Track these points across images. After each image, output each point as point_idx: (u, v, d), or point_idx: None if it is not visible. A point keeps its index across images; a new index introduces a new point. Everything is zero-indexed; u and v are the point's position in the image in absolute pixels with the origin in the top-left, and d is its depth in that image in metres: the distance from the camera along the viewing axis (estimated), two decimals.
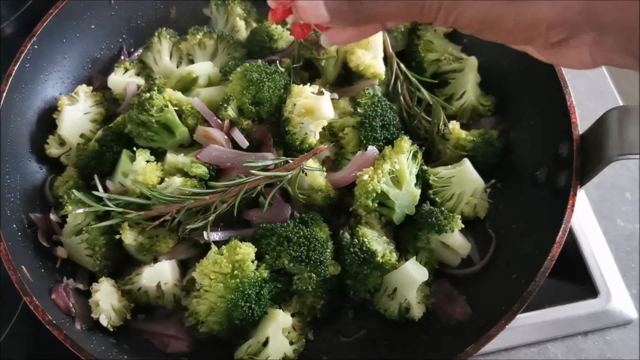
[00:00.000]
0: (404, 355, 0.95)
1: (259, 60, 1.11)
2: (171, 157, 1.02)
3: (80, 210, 0.97)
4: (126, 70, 1.20)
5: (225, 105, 1.03)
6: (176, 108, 1.04)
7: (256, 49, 1.19)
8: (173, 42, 1.22)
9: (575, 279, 1.11)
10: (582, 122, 0.95)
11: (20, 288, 0.86)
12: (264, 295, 0.90)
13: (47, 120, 1.13)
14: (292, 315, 0.94)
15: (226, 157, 0.99)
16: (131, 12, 1.27)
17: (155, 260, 0.98)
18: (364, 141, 1.02)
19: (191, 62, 1.21)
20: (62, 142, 1.13)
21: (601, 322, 1.07)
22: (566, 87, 0.98)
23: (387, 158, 0.98)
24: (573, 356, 1.06)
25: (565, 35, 0.48)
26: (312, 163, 0.98)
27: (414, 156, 1.02)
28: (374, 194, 0.94)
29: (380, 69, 1.10)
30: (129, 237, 0.95)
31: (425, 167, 1.05)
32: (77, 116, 1.12)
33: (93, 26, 1.22)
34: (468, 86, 1.15)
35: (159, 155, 1.05)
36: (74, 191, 0.98)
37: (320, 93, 1.00)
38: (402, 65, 1.12)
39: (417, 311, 0.95)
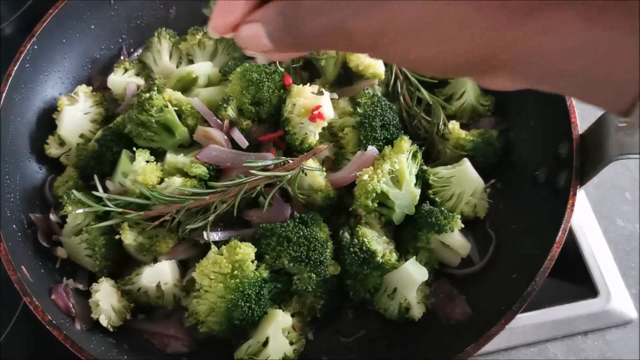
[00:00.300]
0: (404, 355, 0.95)
1: None
2: (171, 157, 1.02)
3: (80, 211, 0.97)
4: (126, 70, 1.20)
5: (225, 105, 1.03)
6: (176, 108, 1.04)
7: None
8: (173, 42, 1.22)
9: (575, 278, 1.11)
10: (582, 121, 0.95)
11: (20, 288, 0.86)
12: (263, 296, 0.90)
13: (47, 120, 1.13)
14: (292, 315, 0.94)
15: (226, 157, 0.99)
16: (131, 12, 1.27)
17: (155, 261, 0.98)
18: (364, 141, 1.02)
19: (191, 62, 1.21)
20: (61, 143, 1.13)
21: (601, 322, 1.07)
22: None
23: (387, 158, 0.98)
24: (573, 356, 1.06)
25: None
26: (311, 163, 0.98)
27: (414, 156, 1.02)
28: (374, 194, 0.94)
29: (379, 68, 1.10)
30: (128, 237, 0.95)
31: (425, 167, 1.05)
32: (76, 116, 1.12)
33: (93, 26, 1.22)
34: (468, 86, 1.15)
35: (158, 155, 1.04)
36: (74, 191, 0.98)
37: (320, 93, 1.00)
38: None
39: (417, 311, 0.95)
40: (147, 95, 1.02)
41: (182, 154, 1.03)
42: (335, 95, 1.09)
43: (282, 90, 1.05)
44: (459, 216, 0.98)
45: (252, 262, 0.90)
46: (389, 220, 1.01)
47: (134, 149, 1.02)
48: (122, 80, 1.17)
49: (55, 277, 0.99)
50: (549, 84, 0.45)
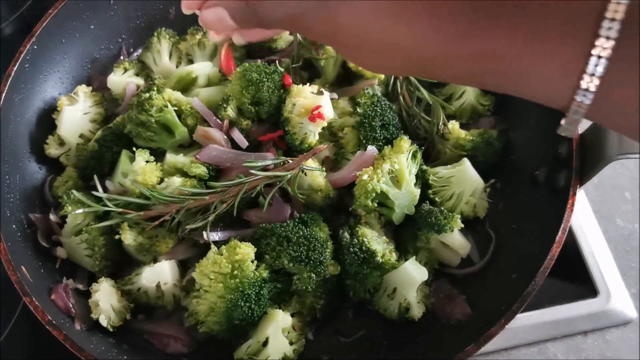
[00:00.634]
0: (404, 355, 0.95)
1: (259, 60, 1.11)
2: (171, 157, 1.02)
3: (80, 211, 0.97)
4: (125, 70, 1.20)
5: (225, 105, 1.03)
6: (175, 108, 1.04)
7: (255, 48, 1.19)
8: (172, 42, 1.22)
9: (574, 278, 1.11)
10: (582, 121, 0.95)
11: (20, 288, 0.86)
12: (263, 295, 0.90)
13: (47, 120, 1.13)
14: (292, 315, 0.94)
15: (226, 157, 0.99)
16: (131, 12, 1.27)
17: (155, 261, 0.98)
18: (364, 141, 1.02)
19: (190, 62, 1.21)
20: (61, 143, 1.13)
21: (601, 322, 1.07)
22: None
23: (387, 158, 0.98)
24: (573, 356, 1.06)
25: None
26: (311, 163, 0.98)
27: (414, 156, 1.01)
28: (374, 194, 0.94)
29: None
30: (128, 238, 0.95)
31: (424, 167, 1.05)
32: (76, 116, 1.12)
33: (92, 26, 1.22)
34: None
35: (158, 155, 1.04)
36: (74, 191, 0.98)
37: (320, 93, 1.00)
38: None
39: (417, 311, 0.95)
40: (147, 95, 1.02)
41: (181, 154, 1.03)
42: (335, 95, 1.09)
43: (282, 90, 1.05)
44: (459, 216, 0.98)
45: (252, 262, 0.90)
46: (388, 220, 1.01)
47: (134, 149, 1.02)
48: (122, 80, 1.17)
49: (55, 277, 0.99)
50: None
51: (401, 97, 1.11)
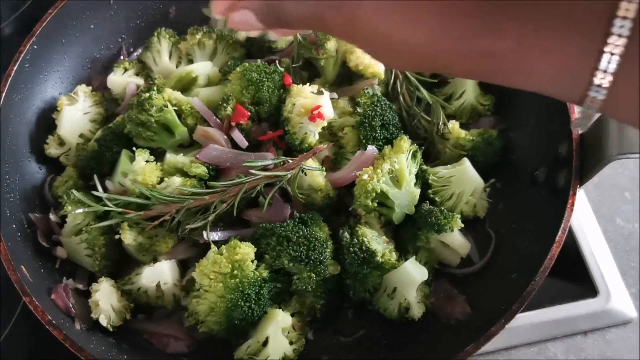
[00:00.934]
0: (404, 355, 0.95)
1: (259, 60, 1.11)
2: (170, 157, 1.02)
3: (80, 211, 0.97)
4: (125, 70, 1.20)
5: (225, 105, 1.03)
6: (175, 108, 1.04)
7: (255, 48, 1.19)
8: (172, 42, 1.22)
9: (574, 278, 1.11)
10: None
11: (20, 288, 0.86)
12: (263, 295, 0.90)
13: (47, 120, 1.13)
14: (292, 315, 0.94)
15: (225, 157, 0.99)
16: (131, 12, 1.27)
17: (155, 260, 0.98)
18: (364, 141, 1.02)
19: (190, 62, 1.21)
20: (61, 142, 1.13)
21: (601, 322, 1.07)
22: None
23: (387, 158, 0.98)
24: (573, 355, 1.06)
25: None
26: (311, 163, 0.98)
27: (414, 156, 1.02)
28: (374, 194, 0.94)
29: (379, 68, 1.10)
30: (128, 237, 0.95)
31: (424, 167, 1.05)
32: (76, 116, 1.12)
33: (92, 26, 1.22)
34: (467, 85, 1.15)
35: (158, 155, 1.04)
36: (74, 191, 0.98)
37: (320, 93, 1.00)
38: None
39: (417, 311, 0.95)
40: (147, 95, 1.02)
41: (181, 154, 1.03)
42: (335, 95, 1.09)
43: (281, 90, 1.05)
44: (459, 216, 0.98)
45: (252, 261, 0.90)
46: (388, 220, 1.01)
47: (134, 148, 1.02)
48: (122, 80, 1.17)
49: (55, 277, 0.99)
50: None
51: (401, 97, 1.11)
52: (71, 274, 1.01)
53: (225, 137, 1.02)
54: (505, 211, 1.06)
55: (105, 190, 1.04)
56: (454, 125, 1.10)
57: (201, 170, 0.98)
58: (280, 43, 1.18)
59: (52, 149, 1.12)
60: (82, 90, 1.16)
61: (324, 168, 0.99)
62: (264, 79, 1.02)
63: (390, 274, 0.94)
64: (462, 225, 0.98)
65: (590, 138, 0.93)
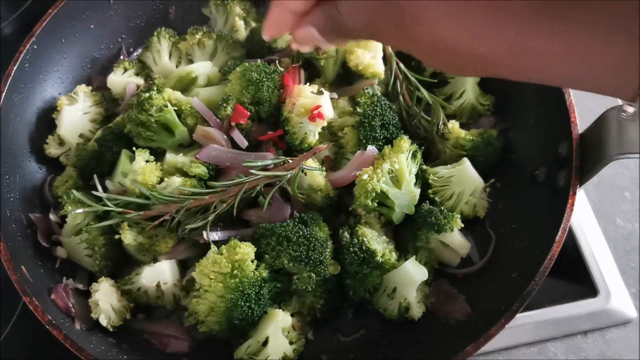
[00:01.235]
0: (404, 355, 0.95)
1: (258, 60, 1.11)
2: (170, 157, 1.02)
3: (80, 210, 0.97)
4: (125, 70, 1.20)
5: (225, 104, 1.03)
6: (175, 108, 1.04)
7: (255, 48, 1.19)
8: (172, 41, 1.22)
9: (574, 278, 1.11)
10: (582, 121, 0.95)
11: (20, 288, 0.86)
12: (263, 295, 0.90)
13: (47, 120, 1.13)
14: (292, 315, 0.94)
15: (225, 157, 0.99)
16: (130, 12, 1.27)
17: (155, 260, 0.98)
18: (364, 141, 1.02)
19: (190, 61, 1.21)
20: (61, 142, 1.13)
21: (601, 321, 1.07)
22: None
23: (387, 157, 0.98)
24: (573, 355, 1.06)
25: None
26: (311, 163, 0.98)
27: (414, 155, 1.01)
28: (374, 194, 0.94)
29: (379, 68, 1.10)
30: (128, 237, 0.95)
31: (424, 167, 1.05)
32: (76, 116, 1.12)
33: (92, 26, 1.22)
34: (467, 85, 1.15)
35: (158, 155, 1.04)
36: (74, 191, 0.98)
37: (320, 93, 1.00)
38: (401, 65, 1.12)
39: (417, 311, 0.95)
40: (147, 94, 1.02)
41: (181, 154, 1.03)
42: (335, 95, 1.09)
43: (281, 90, 1.05)
44: (459, 216, 0.98)
45: (252, 261, 0.90)
46: (388, 220, 1.01)
47: (134, 148, 1.02)
48: (122, 80, 1.17)
49: (55, 277, 0.99)
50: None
51: (401, 97, 1.11)
52: (71, 274, 1.01)
53: (225, 137, 1.02)
54: (505, 211, 1.07)
55: (105, 190, 1.04)
56: (454, 125, 1.10)
57: (201, 170, 0.98)
58: (280, 43, 1.18)
59: (52, 149, 1.12)
60: (82, 90, 1.16)
61: (324, 168, 0.99)
62: (264, 79, 1.02)
63: (390, 274, 0.94)
64: (462, 225, 0.98)
65: (590, 138, 0.93)
